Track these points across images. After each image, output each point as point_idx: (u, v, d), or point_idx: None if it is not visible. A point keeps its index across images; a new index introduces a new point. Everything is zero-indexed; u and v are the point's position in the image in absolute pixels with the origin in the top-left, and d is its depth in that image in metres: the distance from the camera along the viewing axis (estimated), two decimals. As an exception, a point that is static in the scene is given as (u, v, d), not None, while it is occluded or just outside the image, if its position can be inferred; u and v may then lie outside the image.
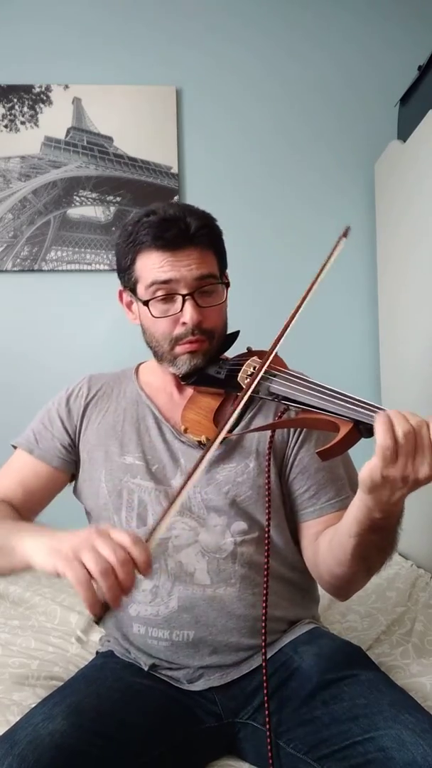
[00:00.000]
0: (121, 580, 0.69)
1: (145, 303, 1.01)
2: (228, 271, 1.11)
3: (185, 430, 1.01)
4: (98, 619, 0.68)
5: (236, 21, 2.23)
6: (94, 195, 2.17)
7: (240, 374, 0.99)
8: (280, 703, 0.95)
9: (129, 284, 1.05)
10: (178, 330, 1.01)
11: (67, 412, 1.13)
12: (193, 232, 0.98)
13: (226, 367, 1.03)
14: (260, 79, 2.24)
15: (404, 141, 1.93)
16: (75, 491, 1.15)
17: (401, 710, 0.84)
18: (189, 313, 0.98)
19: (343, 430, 0.78)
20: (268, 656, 0.98)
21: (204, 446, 0.97)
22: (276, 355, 0.95)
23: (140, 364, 1.19)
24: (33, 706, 0.97)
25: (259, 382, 0.91)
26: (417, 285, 1.84)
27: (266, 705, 0.91)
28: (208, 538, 1.01)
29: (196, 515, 1.03)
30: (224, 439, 0.95)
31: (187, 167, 2.21)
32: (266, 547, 0.97)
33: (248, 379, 0.95)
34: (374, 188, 2.19)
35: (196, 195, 2.20)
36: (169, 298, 1.00)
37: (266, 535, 0.98)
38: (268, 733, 0.90)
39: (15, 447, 1.14)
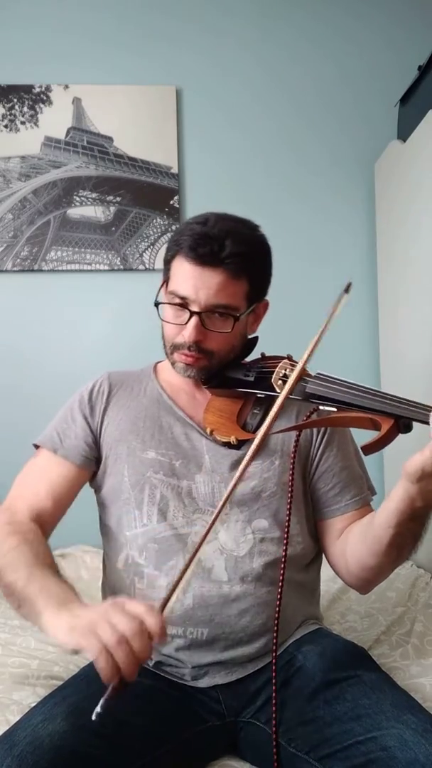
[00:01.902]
0: (136, 650, 0.72)
1: (156, 305, 1.05)
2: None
3: (211, 432, 1.03)
4: (117, 691, 0.72)
5: (236, 21, 2.23)
6: (94, 195, 2.17)
7: (273, 377, 1.02)
8: (282, 702, 0.95)
9: (165, 277, 1.08)
10: (179, 339, 1.04)
11: (90, 409, 1.12)
12: (224, 257, 0.99)
13: (255, 371, 1.06)
14: (260, 79, 2.24)
15: (404, 141, 1.93)
16: (92, 484, 1.15)
17: (403, 710, 0.85)
18: (189, 331, 1.01)
19: (385, 426, 0.81)
20: (272, 659, 0.99)
21: (233, 446, 1.00)
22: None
23: (157, 363, 1.20)
24: (33, 705, 0.97)
25: (296, 385, 0.93)
26: (417, 285, 1.84)
27: (273, 702, 0.92)
28: (228, 536, 1.03)
29: None
30: (245, 441, 1.00)
31: (187, 167, 2.21)
32: (285, 540, 0.98)
33: (280, 381, 1.00)
34: (374, 188, 2.19)
35: (196, 195, 2.20)
36: (182, 306, 1.02)
37: (286, 528, 0.99)
38: (274, 728, 0.91)
39: (36, 447, 1.13)
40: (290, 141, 2.24)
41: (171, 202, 2.18)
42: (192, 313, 1.00)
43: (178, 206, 2.17)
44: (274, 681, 0.93)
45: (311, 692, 0.93)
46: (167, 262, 1.07)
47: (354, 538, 1.03)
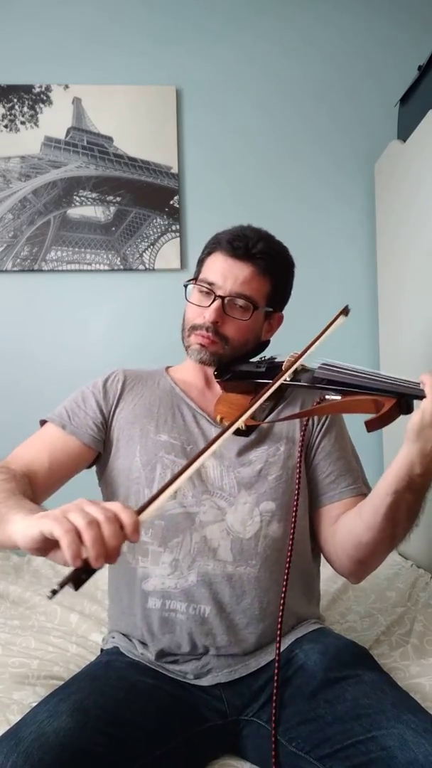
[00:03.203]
0: (105, 536, 0.67)
1: (189, 281, 1.16)
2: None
3: (221, 420, 1.06)
4: (77, 581, 0.66)
5: (236, 21, 2.23)
6: (94, 195, 2.17)
7: (284, 365, 1.06)
8: (283, 701, 0.96)
9: (196, 273, 1.19)
10: (199, 320, 1.13)
11: (103, 393, 1.17)
12: (255, 252, 1.12)
13: (266, 363, 1.13)
14: (260, 80, 2.24)
15: (404, 141, 1.93)
16: (98, 469, 1.18)
17: (403, 710, 0.85)
18: (210, 311, 1.10)
19: (388, 404, 0.84)
20: (274, 654, 1.01)
21: (242, 432, 1.02)
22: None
23: (168, 367, 1.26)
24: (33, 705, 0.97)
25: (302, 372, 1.00)
26: (417, 284, 1.84)
27: (275, 692, 0.94)
28: (235, 518, 1.06)
29: (227, 493, 1.07)
30: (257, 426, 1.04)
31: (187, 167, 2.21)
32: (293, 520, 1.03)
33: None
34: (374, 188, 2.19)
35: (196, 195, 2.20)
36: (208, 293, 1.12)
37: (294, 509, 1.04)
38: (273, 716, 0.92)
39: (43, 423, 1.15)
40: (290, 141, 2.24)
41: (171, 202, 2.18)
42: (216, 297, 1.10)
43: (178, 206, 2.18)
44: (277, 665, 0.96)
45: (312, 691, 0.94)
46: (201, 261, 1.19)
47: (350, 517, 1.05)
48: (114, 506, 0.70)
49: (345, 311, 1.08)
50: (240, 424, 1.01)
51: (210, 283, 1.12)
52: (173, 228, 2.17)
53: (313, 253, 2.23)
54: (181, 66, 2.21)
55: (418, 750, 0.77)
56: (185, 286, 1.17)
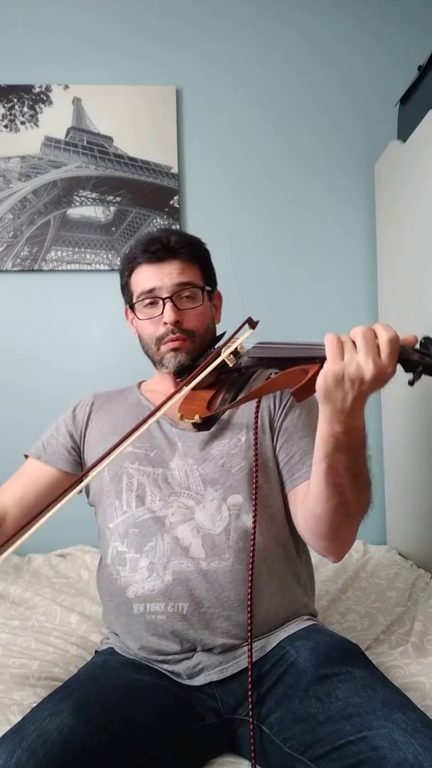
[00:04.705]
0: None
1: (131, 306, 1.18)
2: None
3: (181, 417, 1.07)
4: None
5: (236, 22, 2.23)
6: (94, 195, 2.17)
7: (218, 345, 1.09)
8: (276, 700, 0.96)
9: (127, 299, 1.21)
10: (161, 330, 1.14)
11: (72, 419, 1.25)
12: (174, 246, 1.14)
13: (213, 349, 1.12)
14: (260, 80, 2.24)
15: (404, 141, 1.93)
16: (86, 493, 1.23)
17: (394, 709, 0.85)
18: (167, 313, 1.12)
19: (312, 370, 0.84)
20: (266, 651, 1.02)
21: (199, 425, 1.05)
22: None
23: (141, 382, 1.30)
24: (34, 705, 0.98)
25: (239, 359, 1.03)
26: (417, 285, 1.84)
27: (249, 679, 0.97)
28: (203, 515, 1.07)
29: (194, 492, 1.09)
30: (214, 418, 1.06)
31: (187, 167, 2.21)
32: (254, 508, 1.05)
33: (231, 355, 1.06)
34: (374, 188, 2.19)
35: (195, 195, 2.20)
36: (153, 303, 1.14)
37: (254, 496, 1.05)
38: (251, 707, 0.94)
39: (26, 457, 1.25)
40: (290, 141, 2.24)
41: (171, 202, 2.18)
42: (164, 300, 1.13)
43: (178, 206, 2.18)
44: (249, 652, 0.99)
45: (303, 688, 0.94)
46: (125, 285, 1.20)
47: (306, 495, 1.03)
48: None
49: (252, 324, 1.04)
50: (196, 418, 1.04)
51: (149, 291, 1.13)
52: (174, 228, 2.17)
53: (312, 253, 2.23)
54: (181, 66, 2.21)
55: (408, 750, 0.77)
56: (126, 313, 1.23)
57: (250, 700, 0.95)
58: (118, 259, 2.16)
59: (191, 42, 2.21)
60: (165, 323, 1.12)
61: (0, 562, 0.92)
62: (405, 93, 1.98)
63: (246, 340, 1.04)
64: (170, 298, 1.12)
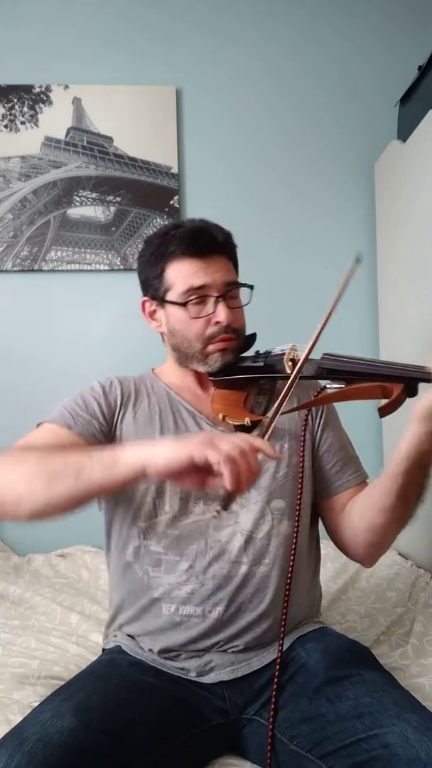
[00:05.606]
0: (252, 464, 0.78)
1: (184, 304, 1.08)
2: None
3: (223, 418, 1.06)
4: (228, 504, 0.82)
5: (236, 21, 2.23)
6: (94, 195, 2.17)
7: (285, 358, 1.08)
8: (285, 700, 0.96)
9: (158, 293, 1.12)
10: (211, 329, 1.09)
11: (104, 397, 1.11)
12: (221, 242, 1.10)
13: (262, 358, 1.12)
14: (260, 79, 2.24)
15: (404, 141, 1.93)
16: None
17: (405, 709, 0.86)
18: (224, 313, 1.08)
19: (396, 390, 0.88)
20: (276, 654, 1.02)
21: (246, 428, 1.04)
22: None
23: (153, 370, 1.22)
24: (34, 705, 0.98)
25: (306, 364, 0.98)
26: (417, 285, 1.84)
27: (274, 688, 0.96)
28: (247, 518, 1.06)
29: None
30: (258, 422, 1.04)
31: (187, 167, 2.21)
32: (297, 517, 1.06)
33: (290, 362, 1.06)
34: (374, 188, 2.19)
35: (196, 195, 2.20)
36: (202, 300, 1.08)
37: (298, 506, 1.06)
38: (272, 713, 0.94)
39: (40, 425, 1.09)
40: (290, 141, 2.24)
41: (171, 202, 2.18)
42: (217, 298, 1.08)
43: (178, 206, 2.18)
44: (278, 661, 0.99)
45: (314, 690, 0.94)
46: (156, 277, 1.11)
47: (360, 502, 1.07)
48: (242, 436, 0.81)
49: (358, 259, 0.99)
50: (246, 421, 1.03)
51: (199, 288, 1.07)
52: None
53: (313, 252, 2.23)
54: (181, 66, 2.21)
55: (420, 747, 0.78)
56: (143, 306, 1.17)
57: (273, 704, 0.96)
58: (119, 259, 2.16)
59: (191, 42, 2.21)
60: (217, 322, 1.08)
61: None
62: (405, 93, 1.98)
63: (298, 350, 1.06)
64: (222, 297, 1.09)
